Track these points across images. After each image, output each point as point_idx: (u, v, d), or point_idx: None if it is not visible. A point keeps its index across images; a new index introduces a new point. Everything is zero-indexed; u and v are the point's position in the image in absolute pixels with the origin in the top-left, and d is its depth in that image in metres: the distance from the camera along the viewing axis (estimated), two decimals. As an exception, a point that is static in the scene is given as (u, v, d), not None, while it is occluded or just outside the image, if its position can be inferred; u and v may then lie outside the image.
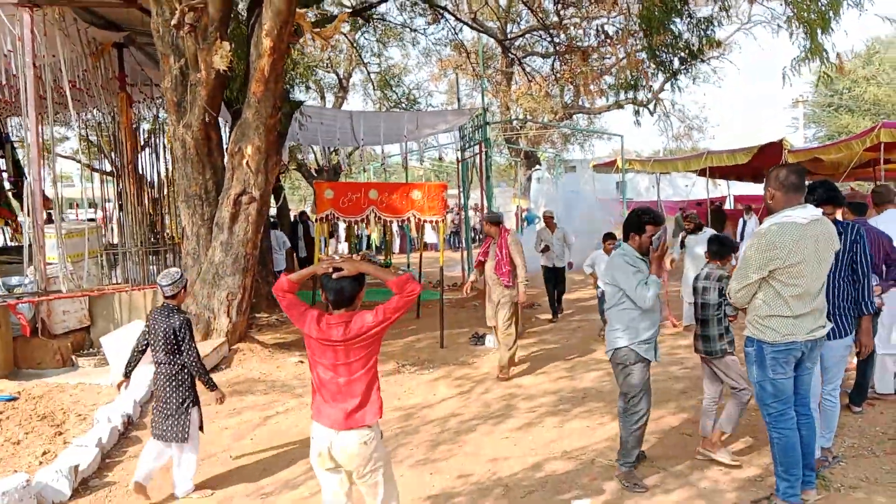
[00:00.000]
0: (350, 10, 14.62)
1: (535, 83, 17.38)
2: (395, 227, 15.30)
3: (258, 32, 7.43)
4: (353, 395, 3.24)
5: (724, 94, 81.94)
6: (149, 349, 4.86)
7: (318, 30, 7.72)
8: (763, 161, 17.27)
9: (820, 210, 3.90)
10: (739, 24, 22.88)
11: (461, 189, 15.59)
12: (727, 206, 25.25)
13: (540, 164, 30.96)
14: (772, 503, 3.96)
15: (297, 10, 7.51)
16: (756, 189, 24.08)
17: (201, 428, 4.91)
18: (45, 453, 5.39)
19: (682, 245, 9.35)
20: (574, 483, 4.56)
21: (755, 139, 19.06)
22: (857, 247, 4.40)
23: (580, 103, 26.84)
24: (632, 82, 9.92)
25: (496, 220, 7.83)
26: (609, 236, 8.80)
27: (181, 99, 8.08)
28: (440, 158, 16.92)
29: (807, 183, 4.02)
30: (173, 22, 7.42)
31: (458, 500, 4.44)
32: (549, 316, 10.99)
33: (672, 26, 8.59)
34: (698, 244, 8.69)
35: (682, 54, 8.87)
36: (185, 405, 4.71)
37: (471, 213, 16.85)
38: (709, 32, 8.60)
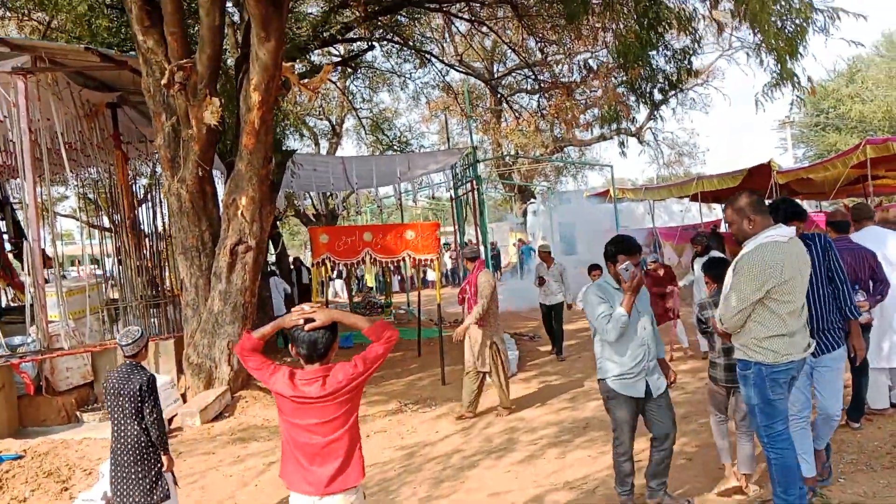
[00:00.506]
0: (338, 60, 14.99)
1: (523, 120, 17.68)
2: (391, 267, 15.39)
3: (246, 87, 7.66)
4: (335, 457, 3.01)
5: (713, 120, 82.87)
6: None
7: (304, 81, 7.96)
8: (753, 183, 17.48)
9: (792, 228, 4.03)
10: (721, 51, 23.34)
11: (456, 226, 15.79)
12: (722, 228, 25.46)
13: (535, 198, 31.26)
14: None
15: (284, 63, 7.75)
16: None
17: (176, 483, 4.68)
18: (51, 510, 5.45)
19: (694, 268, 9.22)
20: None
21: (746, 161, 19.36)
22: (829, 255, 4.43)
23: (570, 136, 27.23)
24: (613, 115, 10.15)
25: (473, 256, 7.79)
26: (594, 267, 8.71)
27: (175, 154, 8.28)
28: (433, 197, 17.14)
29: (769, 202, 4.37)
30: (163, 81, 7.66)
31: (460, 535, 4.49)
32: (550, 347, 10.79)
33: (650, 59, 8.84)
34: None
35: (661, 85, 9.11)
36: (157, 467, 4.40)
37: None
38: (685, 63, 8.84)
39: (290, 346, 3.13)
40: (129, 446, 4.36)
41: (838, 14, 5.82)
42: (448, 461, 6.07)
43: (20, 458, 6.55)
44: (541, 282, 10.47)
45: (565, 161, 25.96)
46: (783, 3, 5.61)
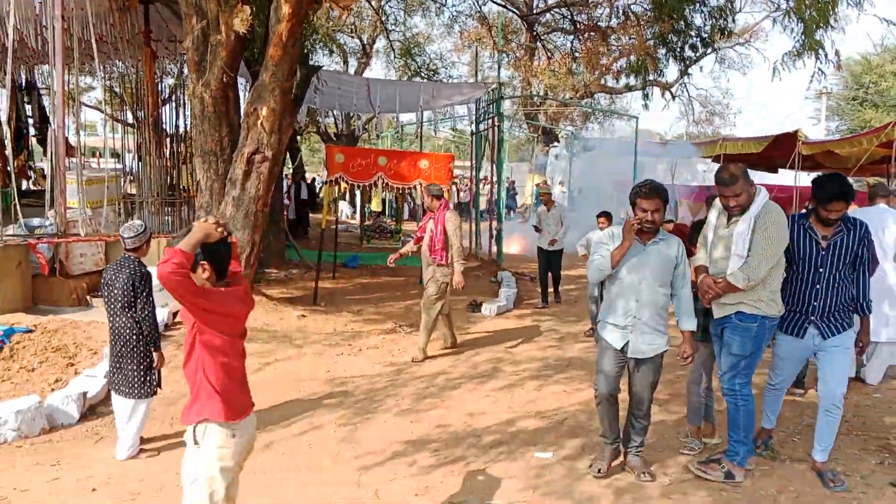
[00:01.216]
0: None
1: (555, 61, 17.46)
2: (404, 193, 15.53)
3: (278, -3, 7.69)
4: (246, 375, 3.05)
5: (753, 81, 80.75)
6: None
7: (336, -3, 7.96)
8: (777, 151, 17.33)
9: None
10: (768, 11, 22.68)
11: (474, 161, 15.85)
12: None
13: (558, 141, 31.01)
14: (723, 466, 4.27)
15: (317, -24, 7.75)
16: (771, 179, 24.14)
17: (159, 384, 4.80)
18: (57, 381, 5.83)
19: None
20: (541, 439, 4.92)
21: (780, 128, 19.05)
22: (863, 244, 4.20)
23: (602, 82, 26.82)
24: (640, 66, 10.05)
25: (439, 194, 7.46)
26: (603, 214, 8.61)
27: (202, 58, 8.37)
28: (454, 129, 17.18)
29: (816, 175, 4.41)
30: (197, -17, 7.70)
31: (432, 446, 4.82)
32: (539, 301, 10.35)
33: (685, 14, 8.74)
34: None
35: (694, 41, 9.03)
36: (148, 361, 4.59)
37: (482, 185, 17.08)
38: (720, 22, 8.74)
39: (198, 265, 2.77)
40: (121, 338, 4.56)
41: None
42: (433, 381, 6.39)
43: (31, 331, 6.92)
44: (537, 228, 10.24)
45: (590, 107, 25.66)
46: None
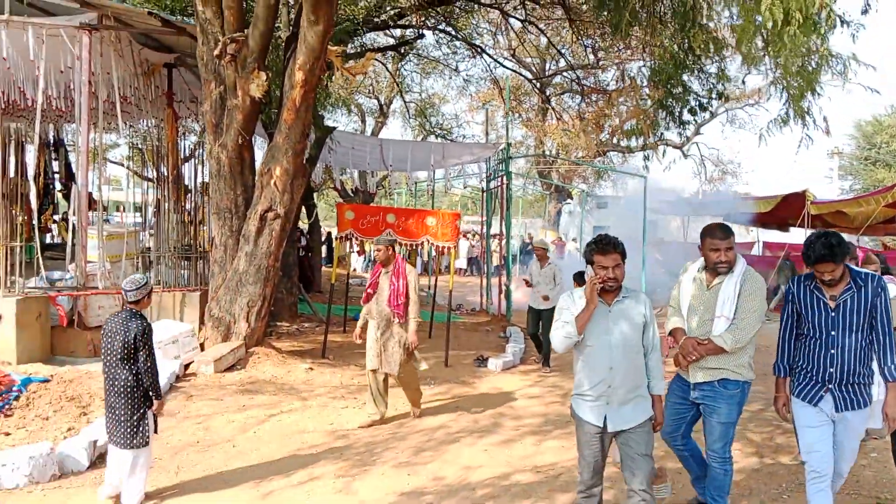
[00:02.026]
0: (388, 45, 15.43)
1: (564, 122, 17.96)
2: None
3: (292, 65, 8.15)
4: None
5: (767, 141, 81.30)
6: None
7: (347, 66, 8.41)
8: (787, 210, 17.52)
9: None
10: (772, 74, 23.19)
11: (484, 218, 16.17)
12: (755, 251, 25.39)
13: (571, 199, 31.43)
14: None
15: (330, 47, 8.21)
16: (783, 237, 24.24)
17: (156, 430, 4.88)
18: (69, 429, 6.04)
19: None
20: (533, 492, 5.03)
21: (792, 187, 19.32)
22: (879, 300, 3.85)
23: (614, 142, 27.34)
24: (638, 130, 10.40)
25: (392, 242, 7.05)
26: (578, 275, 8.07)
27: (219, 120, 8.81)
28: (465, 186, 17.59)
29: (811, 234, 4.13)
30: (216, 52, 8.18)
31: (426, 497, 4.94)
32: (537, 360, 9.93)
33: (683, 80, 9.10)
34: None
35: (692, 106, 9.37)
36: (141, 411, 4.67)
37: (492, 241, 17.35)
38: (717, 87, 9.09)
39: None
40: (115, 389, 4.65)
41: (855, 60, 6.04)
42: (433, 435, 6.52)
43: (47, 381, 7.17)
44: (527, 283, 9.79)
45: (598, 167, 26.09)
46: (806, 48, 5.84)
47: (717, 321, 4.13)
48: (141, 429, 4.67)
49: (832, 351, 3.88)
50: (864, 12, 7.72)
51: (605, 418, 3.73)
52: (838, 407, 3.89)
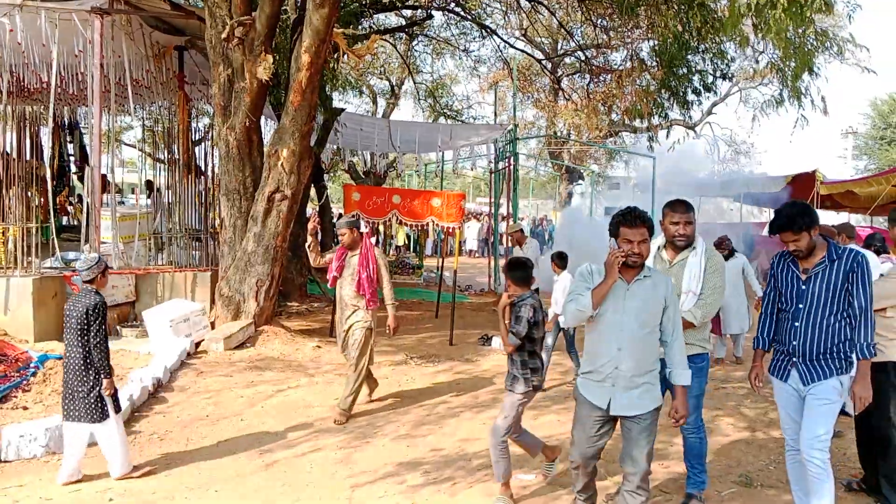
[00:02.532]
0: (393, 29, 15.49)
1: (572, 102, 17.99)
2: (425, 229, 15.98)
3: (298, 48, 8.28)
4: None
5: (779, 121, 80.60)
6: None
7: (353, 48, 8.53)
8: (797, 191, 17.48)
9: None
10: (767, 56, 23.02)
11: (492, 199, 16.29)
12: (764, 232, 25.35)
13: (582, 180, 31.43)
14: (701, 499, 4.49)
15: (336, 29, 8.33)
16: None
17: (118, 409, 4.90)
18: (84, 403, 6.28)
19: None
20: (527, 463, 5.21)
21: (804, 167, 19.22)
22: (854, 276, 3.77)
23: (626, 122, 27.25)
24: (637, 111, 10.47)
25: (356, 224, 6.61)
26: (557, 256, 7.94)
27: (227, 103, 8.98)
28: (472, 168, 17.73)
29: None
30: (224, 35, 8.32)
31: (423, 467, 5.14)
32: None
33: (687, 61, 9.14)
34: (729, 272, 8.61)
35: (696, 87, 9.42)
36: (96, 388, 4.71)
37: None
38: (721, 67, 9.13)
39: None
40: (72, 365, 4.74)
41: (852, 42, 6.09)
42: (433, 409, 6.72)
43: (62, 358, 7.42)
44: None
45: (608, 147, 26.09)
46: (800, 27, 5.91)
47: (686, 297, 4.16)
48: (98, 404, 4.73)
49: (796, 324, 3.87)
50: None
51: (610, 401, 3.59)
52: (804, 380, 3.85)
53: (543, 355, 7.81)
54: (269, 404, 6.77)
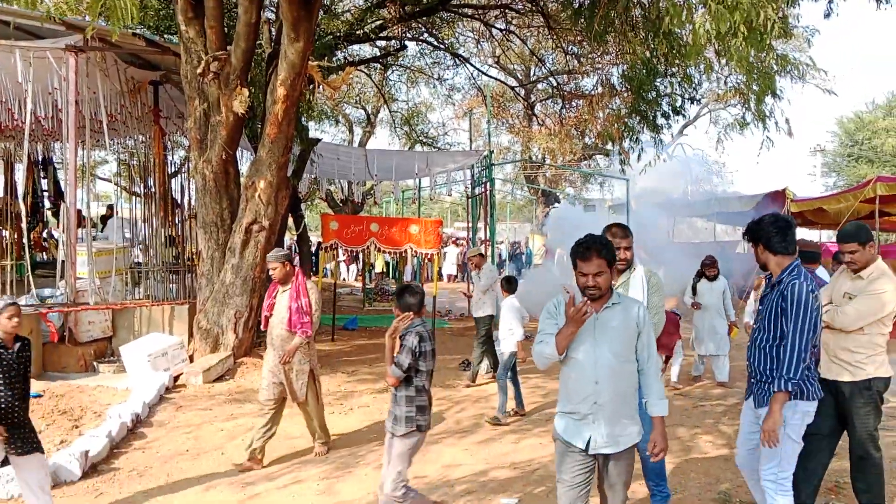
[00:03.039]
0: (371, 58, 15.70)
1: (546, 127, 18.27)
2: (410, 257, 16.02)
3: (274, 81, 8.37)
4: None
5: (751, 140, 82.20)
6: None
7: (328, 80, 8.64)
8: (768, 209, 17.82)
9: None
10: (731, 80, 23.58)
11: (469, 224, 16.42)
12: (739, 250, 25.73)
13: (559, 202, 31.74)
14: None
15: (311, 62, 8.44)
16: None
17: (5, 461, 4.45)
18: (62, 441, 6.22)
19: (694, 292, 8.90)
20: (509, 487, 5.25)
21: (776, 185, 19.62)
22: (783, 299, 3.67)
23: (598, 145, 27.65)
24: (609, 135, 10.70)
25: (287, 259, 6.12)
26: (506, 281, 7.98)
27: (203, 136, 9.02)
28: (450, 194, 17.89)
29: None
30: (199, 70, 8.40)
31: (406, 495, 5.15)
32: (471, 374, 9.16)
33: (656, 86, 9.37)
34: (712, 293, 8.69)
35: (665, 111, 9.66)
36: None
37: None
38: (690, 91, 9.38)
39: None
40: None
41: (813, 66, 6.31)
42: (416, 437, 6.72)
43: (39, 396, 7.33)
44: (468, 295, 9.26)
45: (581, 170, 26.44)
46: (761, 53, 6.12)
47: None
48: None
49: (750, 344, 3.92)
50: (827, 16, 8.03)
51: (590, 439, 3.33)
52: (756, 402, 3.84)
53: (509, 384, 7.60)
54: (250, 436, 6.73)
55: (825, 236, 24.04)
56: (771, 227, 3.80)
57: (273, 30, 11.20)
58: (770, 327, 3.75)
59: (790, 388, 3.57)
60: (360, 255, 17.66)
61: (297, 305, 5.94)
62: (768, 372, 3.74)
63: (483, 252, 9.90)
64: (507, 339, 7.78)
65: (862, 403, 4.19)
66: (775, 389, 3.59)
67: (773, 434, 3.59)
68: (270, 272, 6.09)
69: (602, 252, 3.27)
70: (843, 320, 4.20)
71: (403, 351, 4.27)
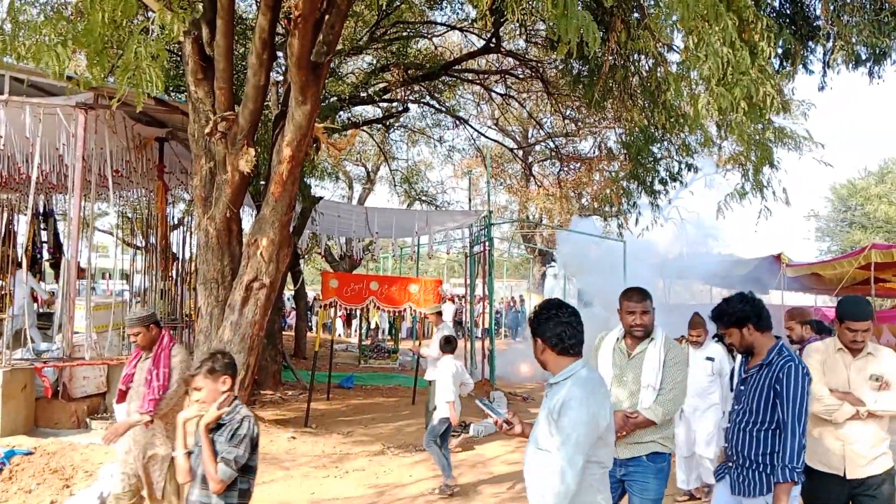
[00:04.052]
0: (371, 121, 16.03)
1: (543, 189, 18.52)
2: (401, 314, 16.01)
3: (280, 142, 8.50)
4: None
5: (744, 208, 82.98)
6: None
7: (332, 141, 8.78)
8: (763, 273, 17.91)
9: None
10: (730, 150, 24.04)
11: (468, 282, 16.46)
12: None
13: (555, 261, 31.87)
14: None
15: (317, 124, 8.59)
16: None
17: None
18: (52, 502, 6.10)
19: None
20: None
21: (772, 249, 19.75)
22: (779, 382, 3.49)
23: (595, 206, 27.95)
24: (607, 199, 10.88)
25: (153, 321, 5.10)
26: (444, 340, 7.62)
27: (208, 194, 9.10)
28: (448, 252, 18.00)
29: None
30: (207, 129, 8.52)
31: (405, 566, 5.05)
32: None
33: (652, 153, 9.57)
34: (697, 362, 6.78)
35: (662, 177, 9.84)
36: None
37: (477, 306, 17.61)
38: (687, 160, 9.57)
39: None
40: None
41: (810, 139, 6.47)
42: (413, 503, 6.62)
43: (31, 454, 7.22)
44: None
45: (577, 232, 26.65)
46: (759, 125, 6.28)
47: (645, 391, 3.96)
48: None
49: (729, 425, 3.74)
50: (821, 89, 8.28)
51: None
52: (733, 488, 3.66)
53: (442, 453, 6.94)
54: (245, 499, 6.61)
55: (820, 300, 24.14)
56: (758, 304, 3.65)
57: (280, 91, 11.46)
58: (758, 410, 3.56)
59: (796, 479, 3.39)
60: (359, 313, 17.67)
61: (151, 378, 4.85)
62: (752, 457, 3.56)
63: (441, 311, 9.68)
64: (442, 407, 7.23)
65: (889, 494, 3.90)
66: (780, 480, 3.39)
67: None
68: (132, 338, 5.07)
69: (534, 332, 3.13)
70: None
71: (240, 441, 3.42)
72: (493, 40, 13.10)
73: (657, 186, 9.83)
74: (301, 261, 19.97)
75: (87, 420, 8.91)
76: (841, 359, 3.97)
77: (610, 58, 8.54)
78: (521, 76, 15.29)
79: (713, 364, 6.61)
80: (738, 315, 3.60)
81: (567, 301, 3.31)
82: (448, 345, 7.55)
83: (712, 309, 3.79)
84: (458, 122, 17.57)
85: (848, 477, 3.83)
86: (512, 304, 30.93)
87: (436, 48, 14.87)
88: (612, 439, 3.03)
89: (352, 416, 10.60)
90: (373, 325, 23.34)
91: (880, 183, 34.97)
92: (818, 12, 7.25)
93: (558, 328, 3.01)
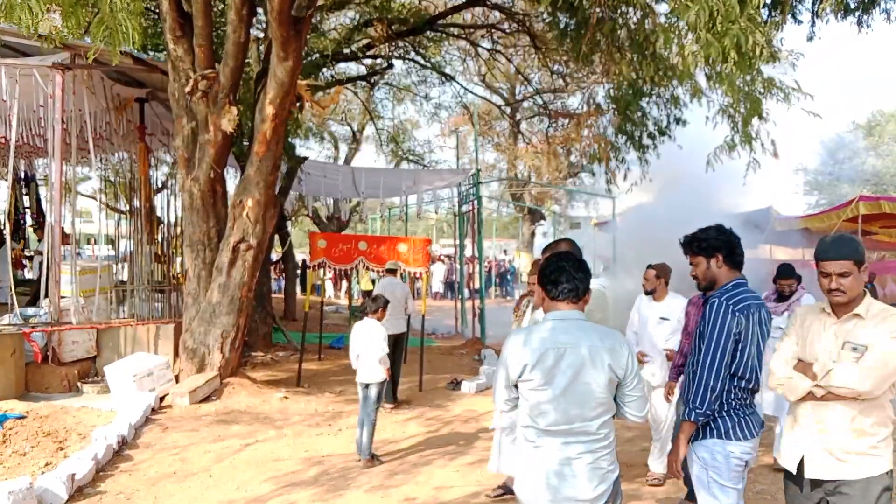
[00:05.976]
0: (355, 78, 15.79)
1: (532, 145, 18.41)
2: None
3: (262, 100, 8.37)
4: None
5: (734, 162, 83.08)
6: None
7: (316, 98, 8.65)
8: (752, 227, 17.97)
9: None
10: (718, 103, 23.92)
11: (457, 241, 16.45)
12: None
13: (544, 220, 31.88)
14: None
15: (299, 81, 8.44)
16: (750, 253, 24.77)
17: None
18: (47, 464, 6.10)
19: None
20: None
21: (762, 203, 19.78)
22: (703, 318, 3.33)
23: (584, 163, 27.86)
24: (596, 156, 10.81)
25: None
26: (372, 299, 7.02)
27: (191, 155, 8.98)
28: (436, 211, 17.92)
29: None
30: (187, 88, 8.38)
31: (398, 519, 5.11)
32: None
33: (641, 107, 9.48)
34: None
35: (651, 131, 9.77)
36: None
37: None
38: (675, 113, 9.50)
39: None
40: None
41: (798, 90, 6.42)
42: (406, 458, 6.69)
43: (23, 417, 7.21)
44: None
45: (567, 188, 26.62)
46: (748, 76, 6.22)
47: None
48: None
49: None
50: (810, 39, 8.20)
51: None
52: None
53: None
54: (238, 459, 6.66)
55: (809, 254, 24.30)
56: (734, 239, 3.34)
57: (262, 48, 11.22)
58: (691, 350, 3.43)
59: (696, 419, 3.18)
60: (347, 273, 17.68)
61: None
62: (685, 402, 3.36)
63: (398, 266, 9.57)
64: (376, 369, 6.74)
65: None
66: (683, 417, 3.22)
67: (673, 468, 3.31)
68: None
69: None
70: (860, 382, 2.81)
71: None
72: (479, -7, 12.86)
73: (646, 141, 9.76)
74: (288, 223, 19.87)
75: (79, 384, 8.90)
76: (823, 321, 3.00)
77: (597, 10, 8.38)
78: (507, 30, 15.05)
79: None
80: (711, 243, 3.31)
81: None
82: (374, 303, 6.83)
83: (684, 235, 3.45)
84: (444, 78, 17.33)
85: (806, 476, 2.96)
86: (500, 264, 31.02)
87: (420, 2, 14.56)
88: None
89: (343, 376, 10.62)
90: (364, 287, 23.40)
91: (868, 136, 35.01)
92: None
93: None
